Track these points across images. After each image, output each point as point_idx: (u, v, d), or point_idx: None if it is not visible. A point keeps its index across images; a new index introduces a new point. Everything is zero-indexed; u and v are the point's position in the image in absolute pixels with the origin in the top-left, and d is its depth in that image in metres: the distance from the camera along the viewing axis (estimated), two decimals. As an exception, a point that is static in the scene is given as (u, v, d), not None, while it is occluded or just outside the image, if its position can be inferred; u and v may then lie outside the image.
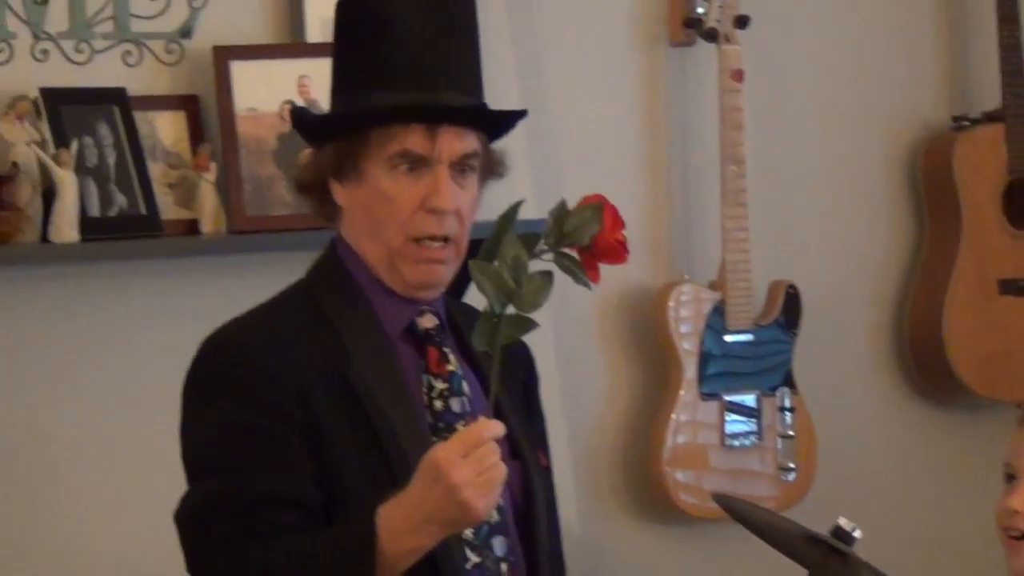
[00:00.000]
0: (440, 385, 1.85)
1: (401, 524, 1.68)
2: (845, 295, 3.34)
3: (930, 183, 3.57)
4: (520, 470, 1.85)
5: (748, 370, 3.04)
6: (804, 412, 3.06)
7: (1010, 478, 2.10)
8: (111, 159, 2.82)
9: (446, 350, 1.88)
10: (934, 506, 3.44)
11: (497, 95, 1.96)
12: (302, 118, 1.92)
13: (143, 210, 2.82)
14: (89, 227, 2.76)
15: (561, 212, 1.73)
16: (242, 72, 2.86)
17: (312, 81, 2.89)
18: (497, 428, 1.68)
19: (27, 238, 2.74)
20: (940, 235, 3.49)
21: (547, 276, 1.70)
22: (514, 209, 1.70)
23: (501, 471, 1.65)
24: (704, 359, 3.00)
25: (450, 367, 1.86)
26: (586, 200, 1.75)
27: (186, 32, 2.91)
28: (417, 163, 1.74)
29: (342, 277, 1.86)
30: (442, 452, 1.64)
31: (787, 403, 3.03)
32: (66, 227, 2.71)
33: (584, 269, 1.77)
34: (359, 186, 1.79)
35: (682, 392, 2.96)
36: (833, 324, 3.32)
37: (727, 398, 2.99)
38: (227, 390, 1.78)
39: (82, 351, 2.93)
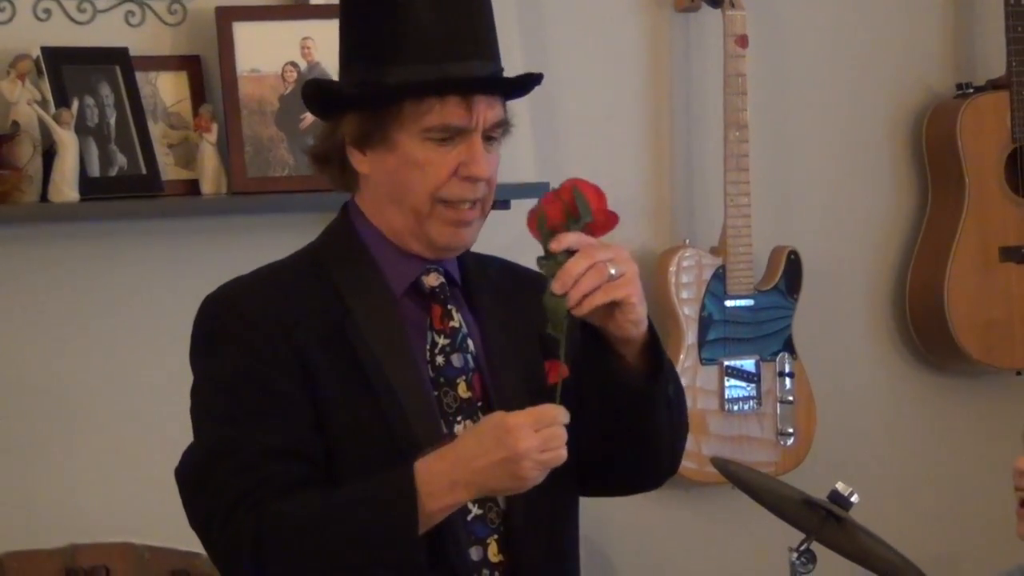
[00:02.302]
0: (442, 341, 1.88)
1: (440, 479, 1.72)
2: (846, 261, 3.36)
3: (933, 150, 3.58)
4: None
5: (748, 336, 3.06)
6: (804, 378, 3.08)
7: None
8: (112, 119, 2.84)
9: (450, 307, 1.90)
10: (932, 472, 3.49)
11: (501, 60, 1.96)
12: (321, 90, 1.93)
13: (143, 170, 2.85)
14: (89, 187, 2.79)
15: (565, 207, 1.80)
16: (244, 33, 2.87)
17: (315, 43, 2.91)
18: (567, 417, 1.72)
19: (27, 197, 2.77)
20: (942, 202, 3.51)
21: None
22: (547, 248, 1.79)
23: (562, 455, 1.69)
24: (704, 324, 3.02)
25: (453, 323, 1.89)
26: (563, 189, 1.81)
27: (189, -8, 2.95)
28: (453, 134, 1.78)
29: (351, 240, 1.90)
30: (515, 419, 1.68)
31: (787, 368, 3.05)
32: (66, 187, 2.74)
33: None
34: (387, 155, 1.82)
35: (682, 357, 2.98)
36: (834, 290, 3.34)
37: (727, 363, 3.01)
38: (227, 343, 1.81)
39: (81, 310, 2.97)
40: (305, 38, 2.95)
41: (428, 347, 1.88)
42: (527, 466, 1.67)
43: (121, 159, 2.90)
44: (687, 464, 2.85)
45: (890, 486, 3.30)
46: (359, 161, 1.81)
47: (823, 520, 2.31)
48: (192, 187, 2.98)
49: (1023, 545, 2.16)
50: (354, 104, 1.83)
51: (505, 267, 2.05)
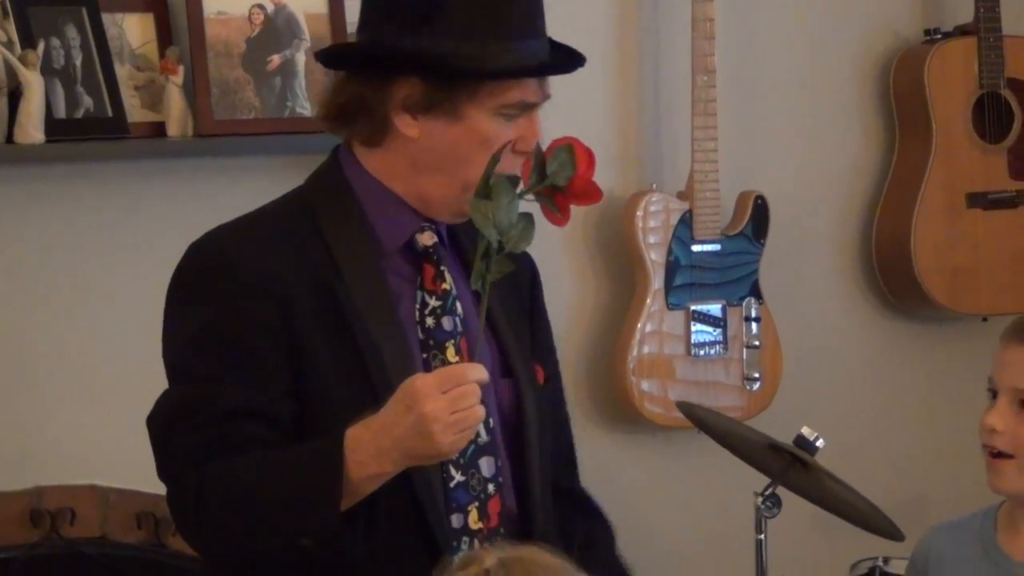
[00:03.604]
0: (433, 302, 1.87)
1: (367, 447, 1.69)
2: (813, 206, 3.38)
3: (901, 96, 3.58)
4: (512, 388, 1.88)
5: (715, 280, 3.08)
6: (770, 322, 3.11)
7: (994, 394, 2.12)
8: (78, 61, 2.85)
9: (443, 268, 1.89)
10: (897, 416, 3.53)
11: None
12: (388, 54, 1.85)
13: (109, 112, 2.85)
14: (55, 128, 2.79)
15: (539, 156, 1.75)
16: (211, -26, 2.91)
17: (282, -14, 2.97)
18: (481, 373, 1.69)
19: None
20: (910, 148, 3.51)
21: (530, 219, 1.75)
22: (501, 150, 1.74)
23: (476, 415, 1.66)
24: (671, 269, 3.03)
25: (445, 285, 1.88)
26: (557, 142, 1.77)
27: (156, -67, 2.93)
28: (523, 110, 1.80)
29: (341, 190, 1.87)
30: (420, 382, 1.65)
31: (753, 313, 3.07)
32: (32, 128, 2.73)
33: (559, 210, 1.82)
34: (450, 125, 1.79)
35: (648, 302, 2.99)
36: (801, 235, 3.36)
37: (693, 308, 3.02)
38: (207, 297, 1.79)
39: (46, 250, 2.97)
40: (273, -20, 2.98)
41: (418, 307, 1.87)
42: (437, 429, 1.64)
43: (87, 101, 2.90)
44: (654, 409, 2.94)
45: (856, 431, 3.34)
46: (407, 124, 1.77)
47: (788, 464, 2.25)
48: (158, 129, 2.98)
49: (987, 489, 2.17)
50: (429, 72, 1.80)
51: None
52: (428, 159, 1.81)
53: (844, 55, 3.66)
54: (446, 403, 1.62)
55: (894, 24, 3.73)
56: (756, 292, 3.10)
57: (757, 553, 2.26)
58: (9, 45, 2.79)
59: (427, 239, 1.86)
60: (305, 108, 3.12)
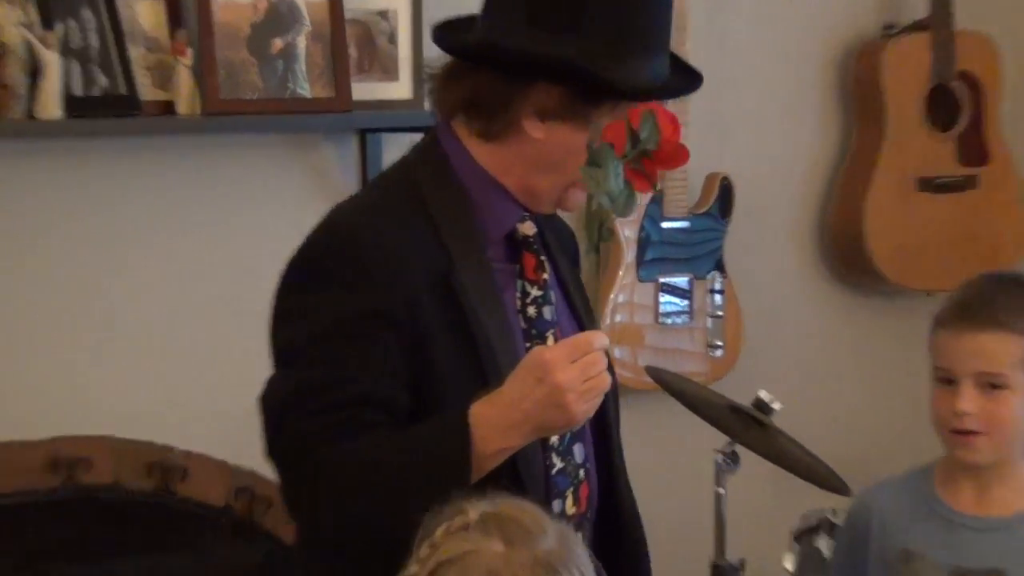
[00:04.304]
0: (535, 292, 1.83)
1: (494, 423, 1.65)
2: (775, 188, 3.41)
3: (859, 86, 3.63)
4: None
5: (683, 255, 3.12)
6: (732, 294, 3.15)
7: (947, 381, 2.17)
8: (94, 42, 2.86)
9: (543, 258, 1.85)
10: (848, 382, 3.65)
11: None
12: (592, 77, 1.73)
13: (123, 90, 2.87)
14: (73, 105, 2.84)
15: (629, 125, 1.75)
16: (219, -40, 2.92)
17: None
18: (604, 340, 1.66)
19: (14, 114, 2.79)
20: (866, 135, 3.54)
21: (631, 187, 1.75)
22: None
23: (605, 381, 1.62)
24: (643, 245, 3.05)
25: (545, 275, 1.84)
26: (640, 110, 1.78)
27: (166, -82, 2.91)
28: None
29: (449, 179, 1.81)
30: (550, 353, 1.62)
31: (717, 286, 3.12)
32: (51, 105, 2.77)
33: (649, 175, 1.81)
34: (576, 132, 1.74)
35: (621, 274, 3.04)
36: (763, 214, 3.38)
37: (662, 280, 3.07)
38: (338, 285, 1.73)
39: (66, 217, 3.06)
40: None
41: (519, 296, 1.83)
42: (571, 399, 1.59)
43: (103, 80, 2.88)
44: (623, 373, 2.93)
45: (808, 394, 3.35)
46: (535, 127, 1.72)
47: (746, 425, 2.27)
48: (168, 107, 2.97)
49: (927, 452, 2.32)
50: (574, 83, 1.72)
51: (546, 218, 1.97)
52: (548, 159, 1.77)
53: (807, 48, 3.71)
54: (577, 372, 1.59)
55: (854, 19, 3.77)
56: (720, 266, 3.13)
57: (716, 505, 2.30)
58: (30, 26, 2.75)
59: (528, 229, 1.82)
60: (305, 89, 3.10)
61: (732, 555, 2.35)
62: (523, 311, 1.80)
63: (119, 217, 3.04)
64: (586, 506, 1.84)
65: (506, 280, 1.79)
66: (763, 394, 2.31)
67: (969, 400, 2.13)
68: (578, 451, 1.82)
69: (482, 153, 1.75)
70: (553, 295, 1.83)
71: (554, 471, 1.78)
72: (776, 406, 2.32)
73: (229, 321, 3.17)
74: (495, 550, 1.50)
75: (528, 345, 1.78)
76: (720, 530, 2.33)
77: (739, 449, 2.27)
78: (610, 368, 1.70)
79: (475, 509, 1.49)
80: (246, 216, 3.34)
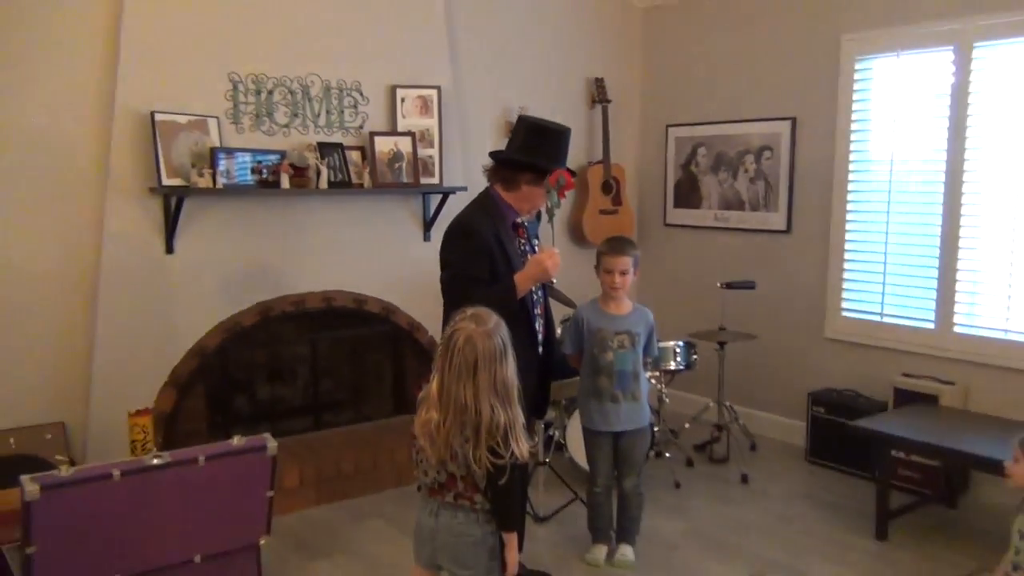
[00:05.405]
0: (523, 243, 3.78)
1: (521, 281, 3.58)
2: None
3: (582, 184, 6.73)
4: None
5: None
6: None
7: (608, 272, 4.21)
8: (336, 163, 5.54)
9: (526, 231, 3.75)
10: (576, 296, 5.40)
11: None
12: (524, 165, 3.48)
13: (345, 178, 5.49)
14: (330, 184, 5.31)
15: (553, 180, 3.55)
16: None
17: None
18: (556, 252, 3.57)
19: (311, 186, 5.30)
20: (581, 196, 6.20)
21: (558, 200, 3.61)
22: (547, 189, 3.62)
23: (558, 263, 3.60)
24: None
25: (526, 236, 3.78)
26: (558, 173, 3.63)
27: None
28: (541, 185, 3.58)
29: (495, 203, 3.67)
30: (541, 255, 3.55)
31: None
32: (323, 183, 5.27)
33: (559, 197, 3.75)
34: (530, 188, 3.65)
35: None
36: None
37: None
38: (464, 240, 3.53)
39: (323, 223, 5.72)
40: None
41: (520, 243, 3.71)
42: (548, 267, 3.54)
43: (339, 176, 5.54)
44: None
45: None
46: (524, 184, 3.54)
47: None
48: (361, 185, 5.54)
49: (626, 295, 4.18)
50: (534, 173, 3.51)
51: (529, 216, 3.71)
52: (526, 198, 3.65)
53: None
54: (551, 260, 3.56)
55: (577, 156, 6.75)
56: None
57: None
58: (318, 159, 5.39)
59: (520, 221, 3.65)
60: (405, 178, 5.77)
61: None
62: (521, 249, 3.65)
63: (336, 219, 5.72)
64: (545, 332, 3.92)
65: (514, 238, 3.64)
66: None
67: (622, 281, 4.17)
68: (538, 308, 3.78)
69: (505, 194, 3.57)
70: (528, 245, 3.72)
71: (536, 310, 3.79)
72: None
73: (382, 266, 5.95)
74: (470, 326, 2.98)
75: (523, 259, 3.60)
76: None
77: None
78: None
79: (469, 311, 2.98)
80: (380, 227, 6.05)
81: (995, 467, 3.93)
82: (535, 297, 3.89)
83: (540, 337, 3.90)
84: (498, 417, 2.87)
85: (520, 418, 2.95)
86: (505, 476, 2.93)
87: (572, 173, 3.83)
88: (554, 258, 3.75)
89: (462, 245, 3.67)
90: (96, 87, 5.10)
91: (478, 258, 3.65)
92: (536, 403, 3.77)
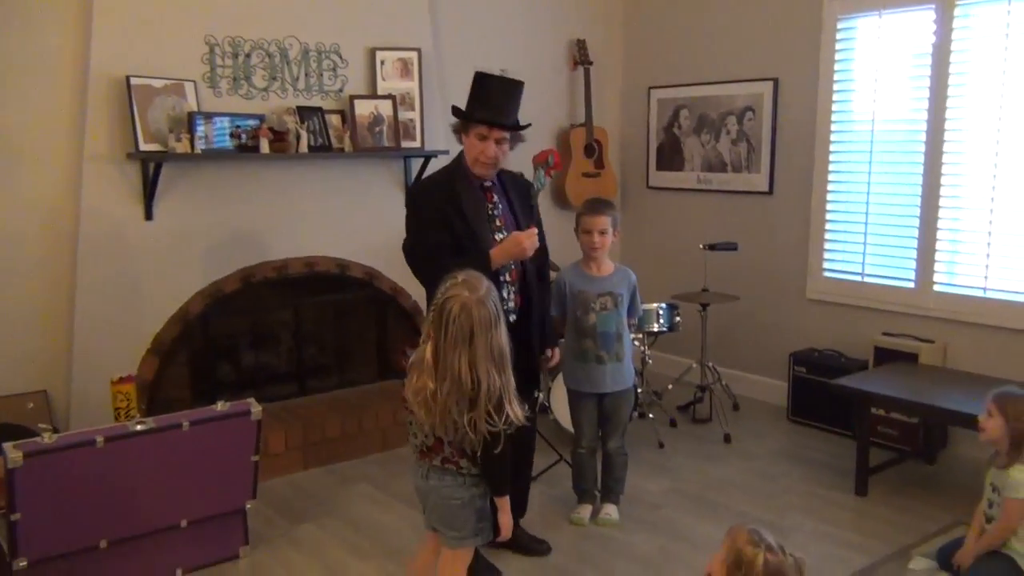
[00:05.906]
0: (491, 209, 3.87)
1: (497, 256, 3.71)
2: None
3: (563, 146, 6.84)
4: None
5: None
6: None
7: (587, 232, 4.24)
8: (317, 128, 5.67)
9: (495, 196, 3.84)
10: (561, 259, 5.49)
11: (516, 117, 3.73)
12: (461, 115, 3.62)
13: (325, 143, 5.73)
14: (310, 148, 5.42)
15: (544, 157, 3.70)
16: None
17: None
18: (535, 232, 3.72)
19: (292, 150, 5.34)
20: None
21: (544, 177, 3.75)
22: (546, 167, 3.75)
23: (535, 243, 3.75)
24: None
25: (495, 201, 3.84)
26: (546, 152, 3.82)
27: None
28: (484, 138, 3.68)
29: (462, 167, 3.80)
30: (519, 235, 3.67)
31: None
32: (302, 148, 5.35)
33: (550, 175, 3.88)
34: (467, 135, 3.80)
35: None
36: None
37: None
38: (423, 204, 3.70)
39: (292, 183, 5.70)
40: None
41: (489, 208, 3.82)
42: (528, 246, 3.68)
43: (320, 140, 5.59)
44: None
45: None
46: (464, 139, 3.74)
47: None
48: (341, 150, 5.57)
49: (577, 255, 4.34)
50: (464, 119, 3.67)
51: (510, 175, 3.80)
52: (468, 151, 3.77)
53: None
54: (529, 240, 3.72)
55: (556, 121, 6.89)
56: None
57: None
58: (297, 122, 5.43)
59: (488, 183, 3.77)
60: (385, 142, 5.87)
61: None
62: (490, 214, 3.78)
63: (317, 184, 5.73)
64: (522, 302, 3.98)
65: (483, 201, 3.78)
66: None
67: (602, 241, 4.22)
68: (514, 276, 3.84)
69: (465, 155, 3.74)
70: (501, 207, 3.79)
71: (505, 276, 3.85)
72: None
73: (361, 224, 5.90)
74: (463, 293, 2.94)
75: (490, 224, 3.70)
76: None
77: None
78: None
79: (460, 276, 2.97)
80: (362, 192, 6.07)
81: (972, 423, 4.01)
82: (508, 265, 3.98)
83: (512, 305, 3.97)
84: (493, 382, 2.90)
85: (512, 382, 2.98)
86: (500, 444, 2.98)
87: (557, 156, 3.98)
88: (532, 238, 3.85)
89: (412, 213, 3.82)
90: (71, 51, 5.08)
91: (431, 223, 3.75)
92: (523, 374, 3.59)
